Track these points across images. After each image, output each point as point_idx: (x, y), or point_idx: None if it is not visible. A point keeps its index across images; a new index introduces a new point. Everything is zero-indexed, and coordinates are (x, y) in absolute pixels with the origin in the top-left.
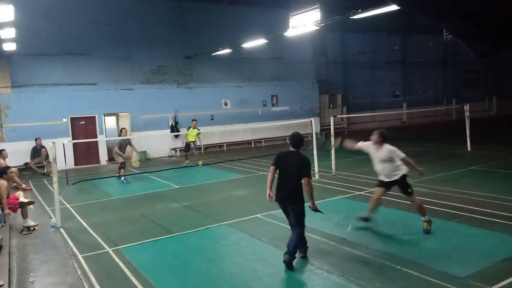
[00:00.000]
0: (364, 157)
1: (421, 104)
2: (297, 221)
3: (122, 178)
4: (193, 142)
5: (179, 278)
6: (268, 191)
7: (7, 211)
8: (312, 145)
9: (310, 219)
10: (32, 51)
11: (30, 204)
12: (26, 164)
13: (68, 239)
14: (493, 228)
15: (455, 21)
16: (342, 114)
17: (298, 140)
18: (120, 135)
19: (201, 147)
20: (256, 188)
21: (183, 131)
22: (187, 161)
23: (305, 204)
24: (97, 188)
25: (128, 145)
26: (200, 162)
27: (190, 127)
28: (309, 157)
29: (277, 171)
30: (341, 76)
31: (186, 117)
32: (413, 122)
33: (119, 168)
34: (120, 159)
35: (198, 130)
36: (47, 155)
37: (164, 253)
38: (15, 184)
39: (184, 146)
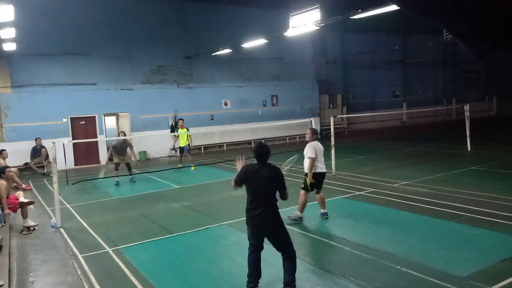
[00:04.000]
0: (365, 157)
1: (421, 104)
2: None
3: (116, 179)
4: (185, 145)
5: (179, 278)
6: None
7: (7, 211)
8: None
9: (309, 219)
10: (32, 51)
11: (30, 204)
12: (26, 164)
13: (68, 239)
14: (493, 228)
15: (454, 22)
16: (342, 114)
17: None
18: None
19: (190, 150)
20: None
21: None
22: (180, 165)
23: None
24: (97, 188)
25: (128, 148)
26: (192, 167)
27: (177, 129)
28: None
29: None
30: (341, 76)
31: (186, 117)
32: (413, 122)
33: (115, 170)
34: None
35: (187, 129)
36: (47, 155)
37: (164, 253)
38: (15, 184)
39: (178, 148)
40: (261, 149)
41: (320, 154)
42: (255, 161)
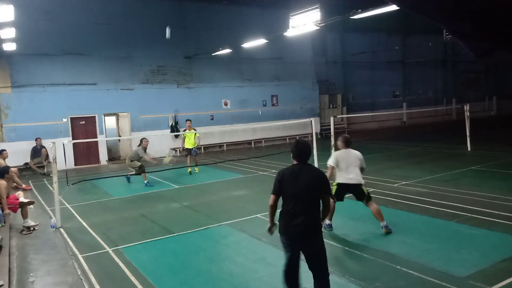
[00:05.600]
0: (365, 157)
1: (421, 104)
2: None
3: (146, 181)
4: (193, 148)
5: (179, 278)
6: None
7: (7, 211)
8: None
9: None
10: (32, 51)
11: (30, 204)
12: (26, 164)
13: (68, 239)
14: (493, 228)
15: (454, 22)
16: (342, 114)
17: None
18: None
19: (200, 148)
20: (256, 188)
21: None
22: (190, 169)
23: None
24: (97, 188)
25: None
26: (196, 169)
27: (185, 129)
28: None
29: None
30: (341, 76)
31: (186, 117)
32: (413, 122)
33: (143, 172)
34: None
35: (195, 130)
36: (47, 155)
37: (164, 253)
38: (15, 184)
39: (185, 150)
40: (302, 147)
41: (343, 162)
42: (294, 163)
